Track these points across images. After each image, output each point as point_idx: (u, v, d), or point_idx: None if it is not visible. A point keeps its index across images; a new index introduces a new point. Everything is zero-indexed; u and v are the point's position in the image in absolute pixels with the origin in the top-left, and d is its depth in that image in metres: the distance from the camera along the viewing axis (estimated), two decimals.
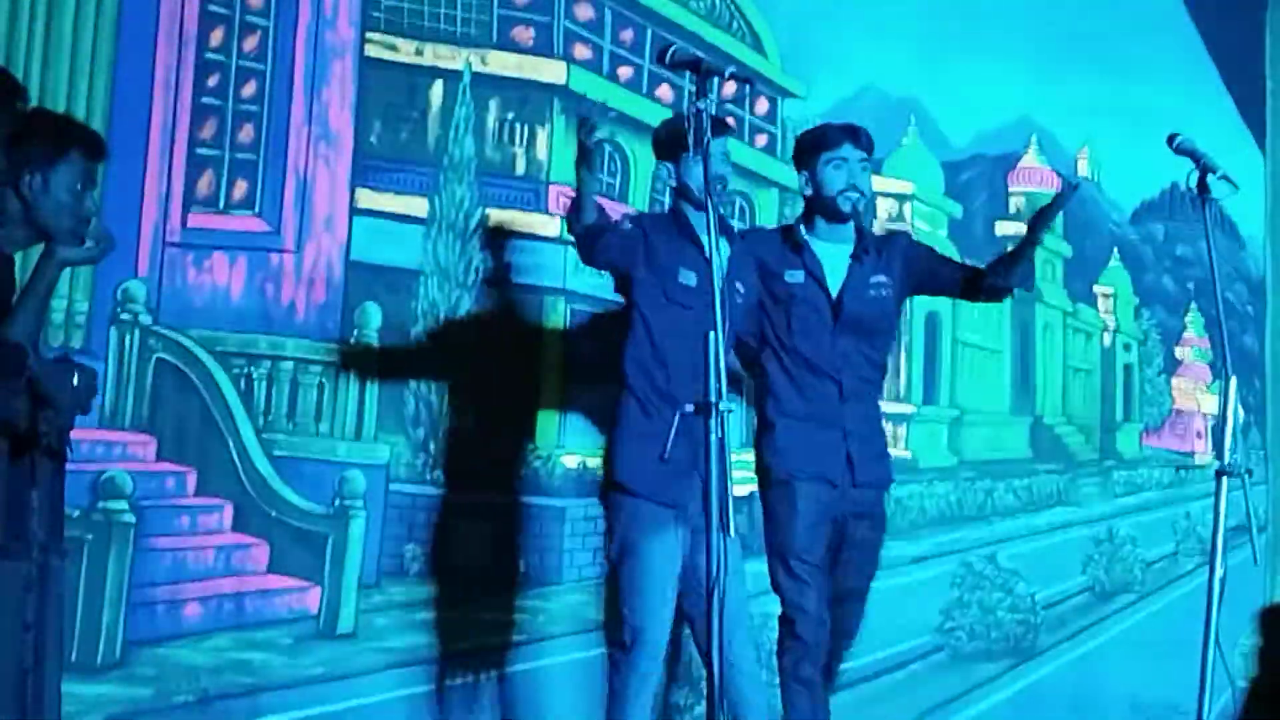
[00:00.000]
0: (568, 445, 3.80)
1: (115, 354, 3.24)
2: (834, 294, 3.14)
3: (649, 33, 4.18)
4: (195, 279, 3.37)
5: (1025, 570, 5.00)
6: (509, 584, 3.65)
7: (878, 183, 4.85)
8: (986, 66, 5.05)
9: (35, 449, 2.34)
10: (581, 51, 4.02)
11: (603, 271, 3.11)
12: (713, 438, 2.39)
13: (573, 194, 2.90)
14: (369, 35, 3.66)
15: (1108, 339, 5.92)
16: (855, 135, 3.18)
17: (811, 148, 3.20)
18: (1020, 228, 5.51)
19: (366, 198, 3.62)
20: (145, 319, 3.29)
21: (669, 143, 3.07)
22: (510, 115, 3.85)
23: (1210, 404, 6.08)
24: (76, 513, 3.01)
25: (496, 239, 3.73)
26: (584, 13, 4.02)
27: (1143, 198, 6.01)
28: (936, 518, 4.91)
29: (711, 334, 2.41)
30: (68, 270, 2.84)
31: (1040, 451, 5.42)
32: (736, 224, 4.36)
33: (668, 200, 3.37)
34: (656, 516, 2.94)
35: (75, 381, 2.37)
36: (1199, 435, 6.19)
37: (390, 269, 3.63)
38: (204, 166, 3.42)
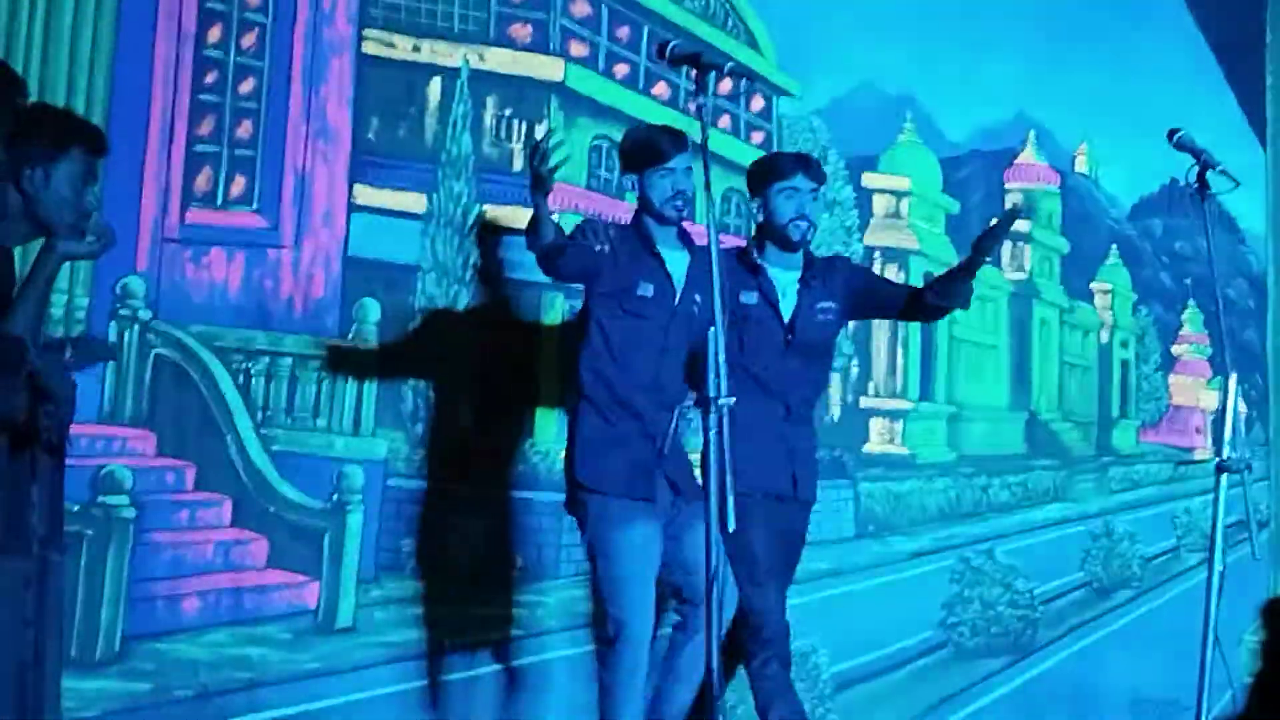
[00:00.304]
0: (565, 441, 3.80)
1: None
2: (786, 317, 3.23)
3: (645, 30, 4.18)
4: (194, 275, 3.38)
5: (1023, 566, 5.00)
6: (506, 579, 3.65)
7: (874, 179, 4.87)
8: (984, 62, 5.05)
9: (35, 444, 2.35)
10: (578, 49, 4.02)
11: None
12: (712, 433, 2.40)
13: (530, 213, 2.92)
14: (367, 32, 3.66)
15: (1105, 335, 5.92)
16: (807, 165, 3.27)
17: (764, 176, 3.26)
18: (1016, 225, 5.55)
19: (364, 194, 3.62)
20: (144, 315, 3.29)
21: (633, 155, 3.10)
22: (508, 112, 3.85)
23: (1209, 400, 6.09)
24: (76, 508, 3.02)
25: (494, 235, 3.74)
26: (580, 10, 4.03)
27: (1142, 194, 6.02)
28: (935, 514, 4.92)
29: (711, 330, 2.43)
30: (67, 265, 2.85)
31: (1036, 447, 5.43)
32: (733, 221, 4.37)
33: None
34: (625, 511, 2.97)
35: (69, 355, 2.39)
36: (1198, 431, 6.20)
37: (388, 265, 3.63)
38: (202, 163, 3.42)
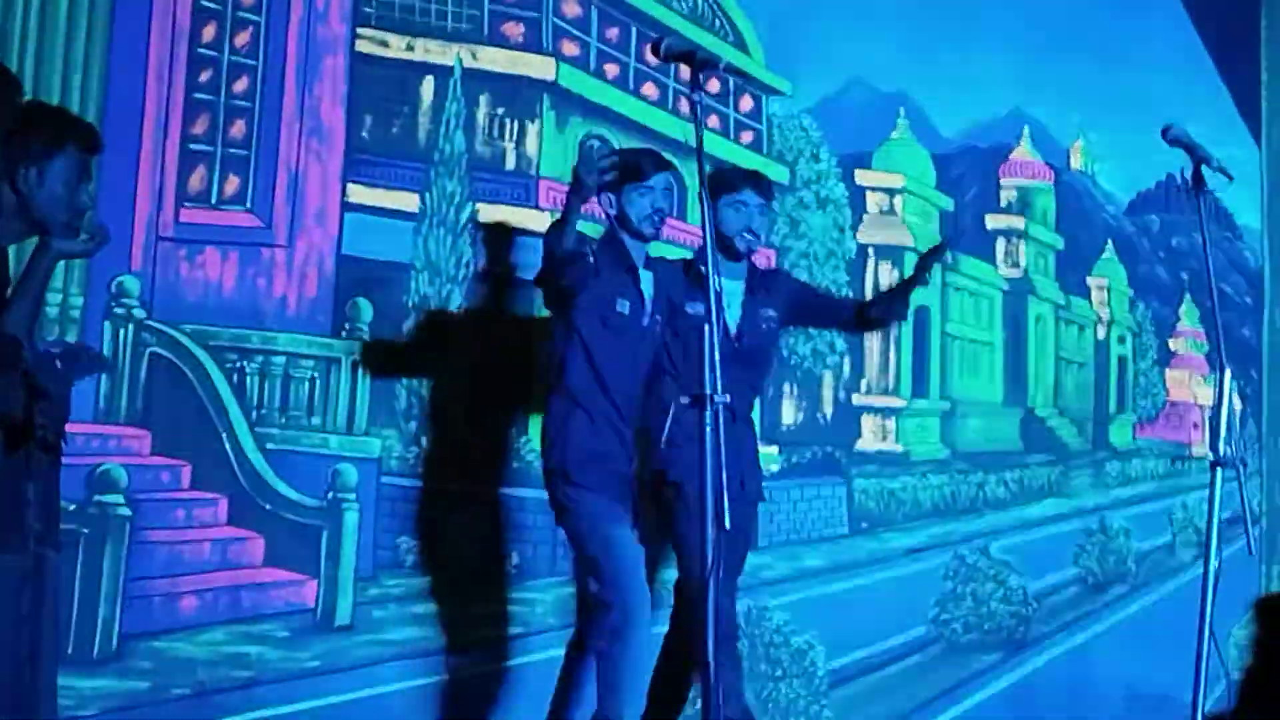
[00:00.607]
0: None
1: (110, 349, 3.25)
2: (732, 326, 3.32)
3: (634, 30, 4.19)
4: (188, 274, 3.38)
5: (1018, 562, 5.01)
6: (502, 577, 3.66)
7: (868, 176, 4.88)
8: (977, 58, 5.05)
9: (30, 442, 2.35)
10: (570, 48, 4.03)
11: (537, 288, 3.19)
12: (708, 430, 2.42)
13: (562, 208, 2.98)
14: (360, 31, 3.66)
15: (1101, 331, 5.93)
16: (757, 181, 3.40)
17: (714, 188, 3.31)
18: (1011, 221, 5.56)
19: (358, 193, 3.63)
20: (139, 314, 3.30)
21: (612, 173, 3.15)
22: (500, 110, 3.86)
23: (1206, 395, 6.09)
24: (72, 507, 3.02)
25: (487, 233, 3.74)
26: (571, 10, 4.04)
27: (1138, 189, 6.02)
28: (930, 510, 4.93)
29: (707, 326, 2.45)
30: (62, 264, 2.86)
31: (1031, 443, 5.43)
32: None
33: None
34: (615, 509, 3.07)
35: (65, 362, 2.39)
36: (1195, 427, 6.20)
37: (381, 263, 3.64)
38: (196, 161, 3.42)
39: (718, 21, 4.49)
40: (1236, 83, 6.09)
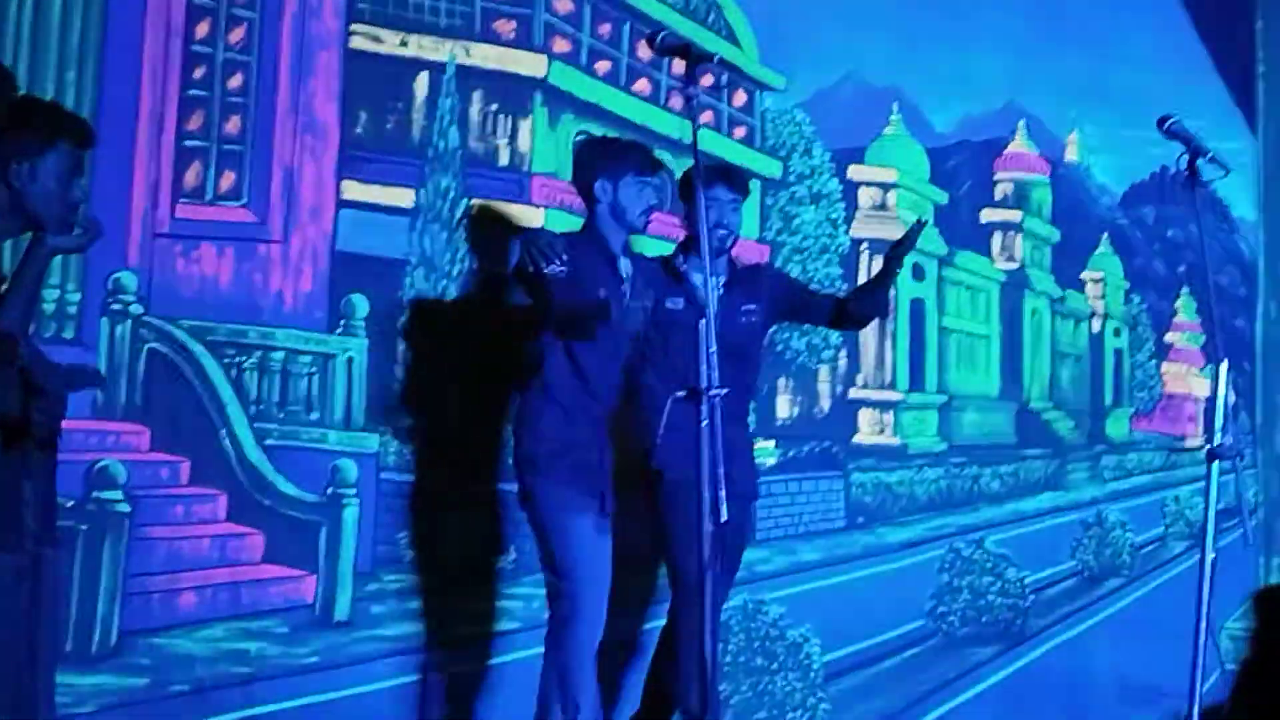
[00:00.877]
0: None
1: (107, 345, 3.24)
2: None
3: (626, 26, 4.19)
4: (184, 269, 3.37)
5: (1014, 555, 5.02)
6: (499, 572, 3.66)
7: (860, 171, 4.88)
8: (971, 52, 5.06)
9: (27, 439, 2.35)
10: (561, 45, 4.03)
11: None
12: (703, 424, 2.43)
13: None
14: (354, 27, 3.66)
15: (1097, 324, 5.93)
16: (729, 177, 3.43)
17: (689, 185, 3.30)
18: (1007, 215, 5.57)
19: (352, 189, 3.63)
20: (136, 309, 3.29)
21: (615, 158, 3.22)
22: (493, 107, 3.86)
23: (1202, 388, 6.10)
24: (70, 503, 3.01)
25: (481, 229, 3.74)
26: (563, 6, 4.04)
27: (1133, 181, 6.02)
28: (926, 503, 4.94)
29: (701, 321, 2.45)
30: (59, 261, 2.86)
31: (1027, 437, 5.44)
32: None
33: None
34: (578, 500, 3.10)
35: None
36: (1191, 419, 6.22)
37: (376, 259, 3.64)
38: (192, 157, 3.42)
39: (710, 16, 4.49)
40: (1232, 74, 6.10)
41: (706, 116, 4.41)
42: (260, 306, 3.46)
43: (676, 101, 4.13)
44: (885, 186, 4.99)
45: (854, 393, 4.83)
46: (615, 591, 3.17)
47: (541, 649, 3.19)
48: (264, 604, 3.38)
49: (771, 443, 4.42)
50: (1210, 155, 2.98)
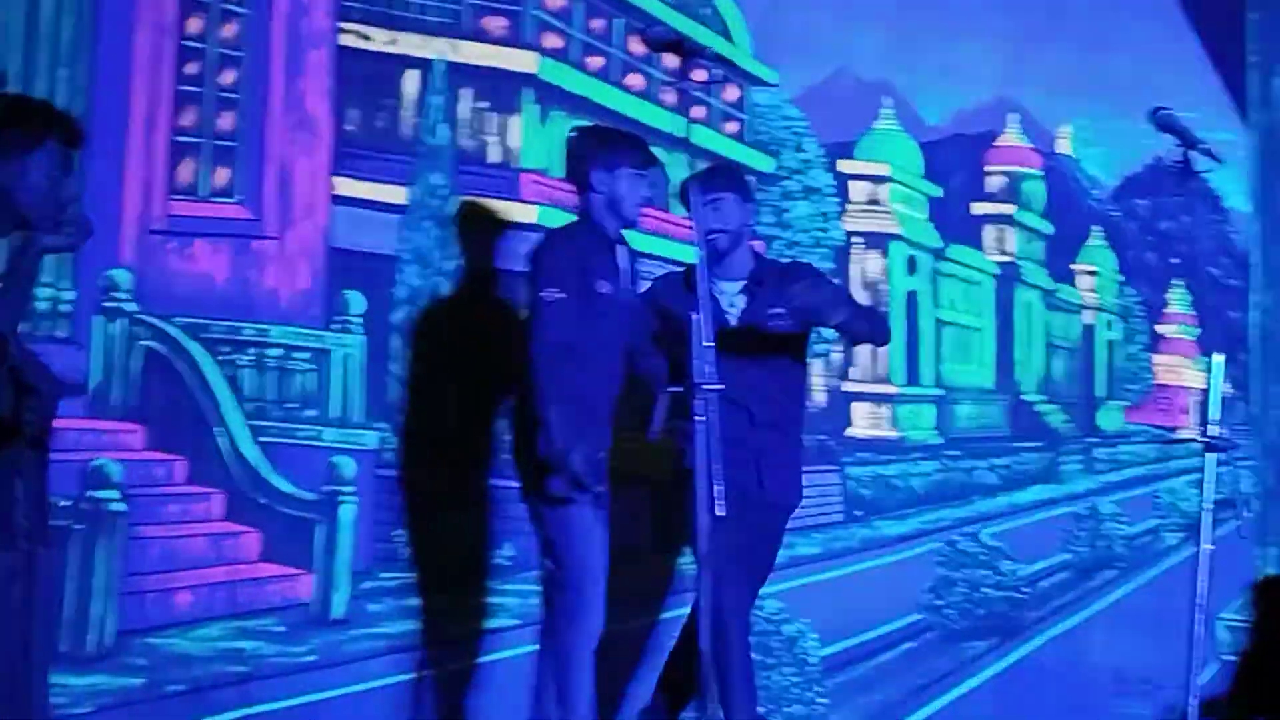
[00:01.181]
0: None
1: (101, 342, 3.24)
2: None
3: (618, 22, 4.19)
4: (179, 266, 3.37)
5: (1009, 548, 5.03)
6: (494, 570, 3.66)
7: (852, 165, 4.88)
8: (962, 46, 5.06)
9: (18, 438, 2.34)
10: (552, 41, 4.02)
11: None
12: (699, 419, 2.43)
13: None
14: (344, 24, 3.65)
15: (1090, 316, 5.95)
16: (712, 175, 3.32)
17: (682, 190, 3.28)
18: (999, 208, 5.57)
19: (345, 185, 3.62)
20: (130, 307, 3.29)
21: (613, 148, 3.17)
22: (483, 104, 3.86)
23: (1195, 379, 6.11)
24: (65, 503, 3.01)
25: (472, 226, 3.74)
26: (554, 2, 4.03)
27: (1126, 173, 6.03)
28: (921, 497, 4.95)
29: (695, 317, 2.45)
30: (52, 259, 2.85)
31: (1021, 429, 5.45)
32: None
33: None
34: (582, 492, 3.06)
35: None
36: (1184, 411, 6.23)
37: (370, 256, 3.63)
38: (185, 154, 3.41)
39: (703, 11, 4.49)
40: (1223, 65, 6.10)
41: (698, 112, 4.41)
42: (255, 303, 3.45)
43: (669, 97, 4.13)
44: (877, 180, 4.99)
45: (849, 386, 4.83)
46: (615, 591, 3.16)
47: (534, 645, 3.18)
48: (261, 602, 3.38)
49: None
50: (1203, 147, 2.98)
